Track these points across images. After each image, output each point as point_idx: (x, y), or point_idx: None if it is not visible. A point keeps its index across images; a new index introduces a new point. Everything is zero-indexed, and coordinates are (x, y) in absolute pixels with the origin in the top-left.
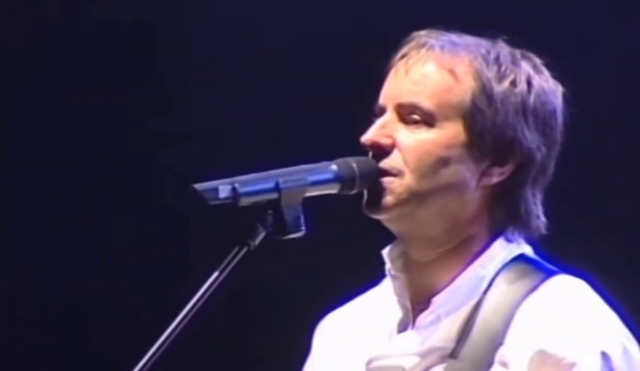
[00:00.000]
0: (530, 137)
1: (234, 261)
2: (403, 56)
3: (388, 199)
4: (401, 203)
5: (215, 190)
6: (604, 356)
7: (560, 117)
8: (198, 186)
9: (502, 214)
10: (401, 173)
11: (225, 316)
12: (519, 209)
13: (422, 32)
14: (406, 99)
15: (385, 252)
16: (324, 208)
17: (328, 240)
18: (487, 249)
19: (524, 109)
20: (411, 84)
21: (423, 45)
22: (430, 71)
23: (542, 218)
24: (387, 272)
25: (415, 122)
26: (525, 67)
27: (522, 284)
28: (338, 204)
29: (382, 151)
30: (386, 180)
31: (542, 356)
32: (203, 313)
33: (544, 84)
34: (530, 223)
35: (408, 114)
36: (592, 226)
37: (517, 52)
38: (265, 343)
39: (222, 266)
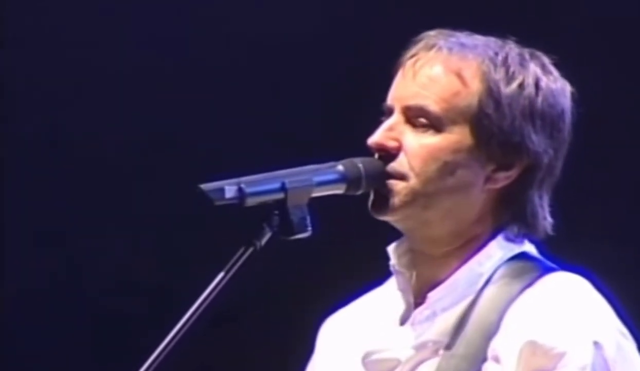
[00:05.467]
0: (537, 141)
1: (240, 262)
2: (411, 57)
3: (393, 201)
4: (406, 205)
5: (222, 190)
6: (597, 345)
7: (568, 118)
8: (204, 186)
9: (507, 216)
10: (407, 177)
11: (231, 316)
12: (525, 212)
13: (431, 33)
14: (413, 102)
15: (391, 248)
16: (330, 206)
17: (333, 239)
18: (485, 247)
19: (531, 113)
20: (419, 86)
21: (431, 46)
22: (438, 73)
23: (549, 219)
24: (391, 268)
25: (423, 125)
26: (534, 68)
27: (519, 280)
28: (344, 203)
29: (388, 154)
30: (392, 183)
31: (532, 347)
32: (209, 314)
33: (552, 85)
34: (536, 224)
35: (415, 117)
36: (592, 227)
37: (526, 52)
38: (267, 344)
39: (227, 267)
